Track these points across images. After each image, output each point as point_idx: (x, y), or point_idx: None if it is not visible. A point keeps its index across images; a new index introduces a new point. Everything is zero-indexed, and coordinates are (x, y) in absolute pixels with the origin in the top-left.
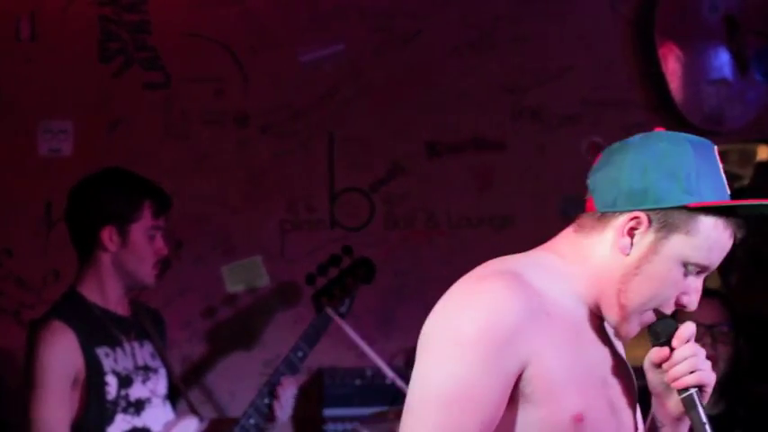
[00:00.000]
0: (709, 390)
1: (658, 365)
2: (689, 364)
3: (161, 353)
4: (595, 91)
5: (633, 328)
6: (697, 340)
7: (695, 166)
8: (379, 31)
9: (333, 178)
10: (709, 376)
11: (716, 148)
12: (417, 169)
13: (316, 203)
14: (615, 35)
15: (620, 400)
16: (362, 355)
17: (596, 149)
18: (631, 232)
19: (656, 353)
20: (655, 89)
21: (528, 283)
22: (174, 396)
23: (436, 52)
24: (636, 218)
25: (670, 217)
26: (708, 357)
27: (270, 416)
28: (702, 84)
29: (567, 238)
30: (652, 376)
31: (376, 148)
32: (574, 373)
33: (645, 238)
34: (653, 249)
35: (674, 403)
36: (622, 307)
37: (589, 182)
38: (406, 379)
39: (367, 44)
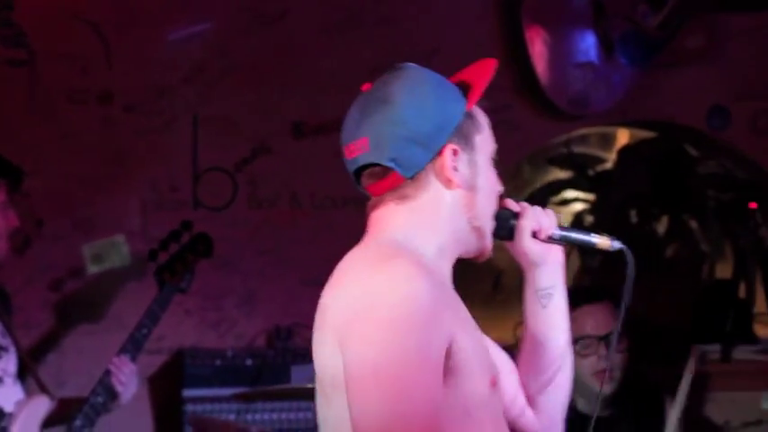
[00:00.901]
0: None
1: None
2: (534, 212)
3: (10, 330)
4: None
5: (489, 240)
6: (590, 353)
7: (437, 78)
8: (246, 10)
9: (196, 158)
10: (549, 213)
11: (414, 65)
12: (282, 149)
13: (179, 183)
14: (482, 17)
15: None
16: (223, 335)
17: None
18: (454, 165)
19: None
20: (521, 72)
21: (418, 262)
22: (23, 375)
23: (303, 33)
24: (453, 150)
25: (462, 130)
26: (602, 370)
27: (115, 394)
28: (568, 67)
29: (399, 213)
30: (526, 250)
31: (241, 128)
32: (474, 340)
33: (462, 161)
34: (473, 164)
35: (535, 253)
36: (478, 230)
37: (384, 162)
38: (265, 359)
39: (234, 23)
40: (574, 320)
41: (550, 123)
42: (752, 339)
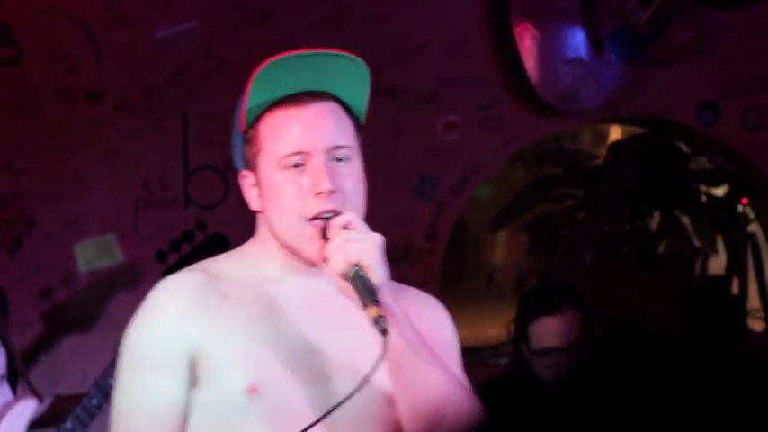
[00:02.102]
0: (368, 257)
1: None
2: (338, 248)
3: (1, 332)
4: (451, 69)
5: (312, 247)
6: (552, 364)
7: (239, 102)
8: (235, 7)
9: (187, 156)
10: (363, 251)
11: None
12: None
13: (170, 181)
14: (471, 14)
15: (332, 369)
16: None
17: (452, 128)
18: (247, 189)
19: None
20: (510, 68)
21: (206, 272)
22: (13, 377)
23: (291, 29)
24: (242, 177)
25: (246, 154)
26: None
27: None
28: (558, 63)
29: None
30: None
31: (231, 125)
32: (250, 349)
33: (249, 187)
34: (260, 183)
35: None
36: (283, 241)
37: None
38: None
39: (222, 21)
40: (532, 331)
41: (540, 120)
42: (746, 335)
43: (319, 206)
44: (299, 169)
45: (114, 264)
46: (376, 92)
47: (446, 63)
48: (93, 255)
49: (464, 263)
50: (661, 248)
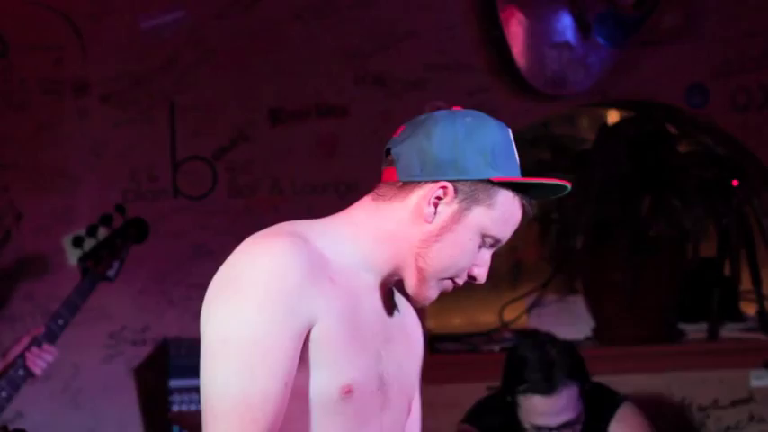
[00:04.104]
0: None
1: None
2: None
3: None
4: (438, 55)
5: (431, 293)
6: None
7: (500, 143)
8: None
9: (175, 147)
10: None
11: (510, 131)
12: (261, 137)
13: (158, 173)
14: (457, 0)
15: (391, 376)
16: None
17: None
18: (437, 201)
19: None
20: (497, 53)
21: (314, 246)
22: None
23: (278, 18)
24: (444, 187)
25: (475, 189)
26: None
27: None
28: (545, 47)
29: (365, 207)
30: None
31: (218, 115)
32: (349, 344)
33: (449, 207)
34: (456, 219)
35: None
36: (420, 270)
37: (393, 152)
38: None
39: (208, 10)
40: (523, 403)
41: (528, 105)
42: (738, 317)
43: (462, 281)
44: (486, 247)
45: None
46: (363, 78)
47: (433, 49)
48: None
49: None
50: (652, 232)
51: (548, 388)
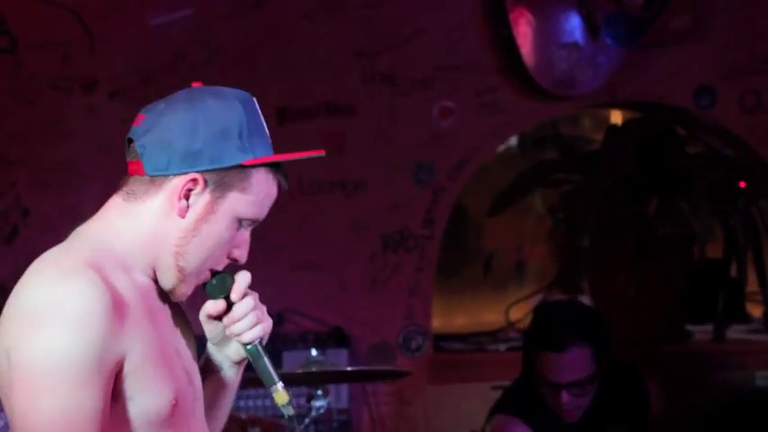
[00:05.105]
0: (267, 335)
1: (216, 318)
2: (250, 318)
3: None
4: (447, 55)
5: (189, 289)
6: (553, 395)
7: (246, 122)
8: None
9: None
10: (268, 324)
11: (256, 100)
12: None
13: None
14: None
15: (192, 368)
16: None
17: (448, 113)
18: (188, 194)
19: (213, 306)
20: (506, 53)
21: (102, 274)
22: None
23: (287, 16)
24: (193, 180)
25: (226, 176)
26: (567, 409)
27: None
28: (553, 48)
29: (117, 208)
30: (210, 328)
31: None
32: (160, 358)
33: (201, 198)
34: (210, 209)
35: (233, 351)
36: (181, 269)
37: (137, 145)
38: None
39: (217, 8)
40: (535, 362)
41: (536, 105)
42: (744, 319)
43: (222, 266)
44: (243, 228)
45: None
46: (371, 77)
47: (441, 49)
48: None
49: (462, 249)
50: (659, 233)
51: (557, 345)
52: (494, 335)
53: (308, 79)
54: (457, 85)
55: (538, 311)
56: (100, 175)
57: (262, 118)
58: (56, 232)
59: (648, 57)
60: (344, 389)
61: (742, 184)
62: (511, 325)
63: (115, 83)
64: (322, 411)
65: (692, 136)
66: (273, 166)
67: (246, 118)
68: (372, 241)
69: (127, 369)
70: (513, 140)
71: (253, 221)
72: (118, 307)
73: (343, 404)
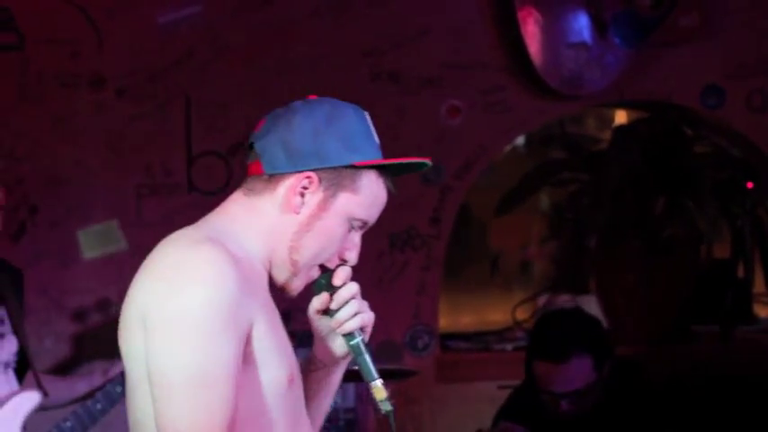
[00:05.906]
0: (369, 329)
1: (323, 312)
2: (353, 305)
3: (13, 318)
4: (454, 54)
5: (302, 283)
6: (552, 401)
7: (358, 127)
8: None
9: (190, 142)
10: (369, 317)
11: (367, 114)
12: None
13: (173, 167)
14: None
15: (296, 362)
16: None
17: (455, 112)
18: (303, 191)
19: (319, 300)
20: (514, 52)
21: (230, 251)
22: (24, 365)
23: (294, 15)
24: (308, 177)
25: (338, 176)
26: (565, 411)
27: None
28: (561, 47)
29: (238, 202)
30: (317, 323)
31: (233, 111)
32: (281, 337)
33: (315, 196)
34: (323, 207)
35: (337, 346)
36: (294, 263)
37: (257, 146)
38: None
39: (224, 6)
40: (535, 371)
41: (543, 104)
42: (751, 320)
43: (333, 265)
44: (355, 230)
45: (117, 250)
46: (378, 76)
47: (449, 47)
48: (97, 241)
49: (468, 248)
50: (666, 233)
51: (557, 356)
52: (500, 334)
53: (316, 77)
54: (464, 84)
55: (539, 321)
56: (107, 172)
57: (373, 130)
58: (63, 229)
59: (656, 56)
60: (351, 388)
61: (749, 185)
62: (517, 324)
63: (123, 80)
64: (329, 410)
65: (700, 136)
66: (382, 171)
67: (359, 125)
68: (379, 240)
69: (255, 335)
70: (520, 140)
71: (363, 223)
72: (244, 279)
73: (350, 403)
